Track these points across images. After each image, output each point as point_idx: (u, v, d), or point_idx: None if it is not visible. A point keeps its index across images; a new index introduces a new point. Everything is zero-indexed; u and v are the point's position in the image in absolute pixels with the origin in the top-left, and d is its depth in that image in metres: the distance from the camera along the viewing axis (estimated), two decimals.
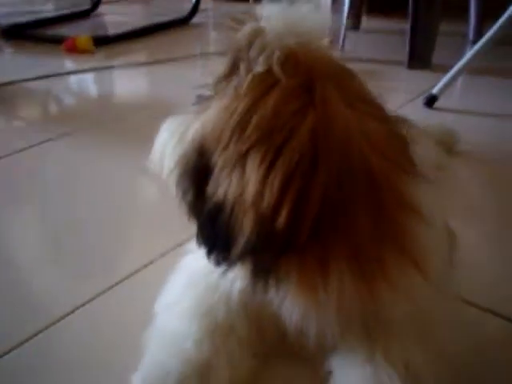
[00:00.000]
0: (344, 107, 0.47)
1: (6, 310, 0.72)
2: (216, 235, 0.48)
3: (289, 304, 0.49)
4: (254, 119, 0.45)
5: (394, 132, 0.51)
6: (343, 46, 1.91)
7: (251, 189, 0.44)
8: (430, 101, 1.41)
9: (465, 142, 1.16)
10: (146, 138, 0.58)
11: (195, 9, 2.60)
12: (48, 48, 2.16)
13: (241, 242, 0.45)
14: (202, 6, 2.63)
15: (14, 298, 0.75)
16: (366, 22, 2.48)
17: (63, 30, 2.36)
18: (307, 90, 0.46)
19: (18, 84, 1.73)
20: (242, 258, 0.46)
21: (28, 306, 0.73)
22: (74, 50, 2.07)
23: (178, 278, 0.63)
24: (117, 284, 0.76)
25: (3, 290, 0.76)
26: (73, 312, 0.70)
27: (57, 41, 2.16)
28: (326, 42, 0.52)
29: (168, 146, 0.55)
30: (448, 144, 1.12)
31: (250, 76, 0.47)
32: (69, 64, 2.01)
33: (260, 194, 0.43)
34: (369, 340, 0.53)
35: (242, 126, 0.45)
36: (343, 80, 0.50)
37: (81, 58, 2.03)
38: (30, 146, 1.24)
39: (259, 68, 0.47)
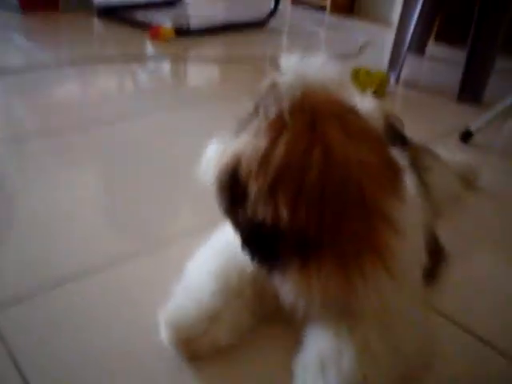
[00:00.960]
0: (344, 141, 0.61)
1: (45, 253, 0.91)
2: (258, 246, 0.65)
3: (287, 287, 0.67)
4: (272, 158, 0.60)
5: (387, 161, 0.65)
6: (401, 69, 2.02)
7: (285, 215, 0.59)
8: (466, 136, 1.50)
9: (486, 180, 1.28)
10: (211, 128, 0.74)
11: (273, 13, 2.76)
12: (135, 32, 2.40)
13: (283, 249, 0.62)
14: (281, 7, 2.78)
15: (57, 243, 0.94)
16: (432, 48, 2.57)
17: (150, 16, 2.58)
18: (311, 129, 0.61)
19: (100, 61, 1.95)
20: (268, 253, 0.63)
21: (71, 253, 0.92)
22: (157, 37, 2.29)
23: (207, 247, 0.80)
24: (160, 244, 0.95)
25: (53, 233, 0.96)
26: (116, 263, 0.90)
27: (144, 26, 2.39)
28: (333, 87, 0.65)
29: (210, 163, 0.70)
30: (468, 178, 1.24)
31: (266, 121, 0.63)
32: (150, 49, 2.23)
33: (292, 217, 0.59)
34: (341, 321, 0.68)
35: (263, 162, 0.61)
36: (345, 117, 0.63)
37: (162, 44, 2.25)
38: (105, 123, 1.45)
39: (272, 115, 0.62)
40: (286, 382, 0.66)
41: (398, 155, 0.84)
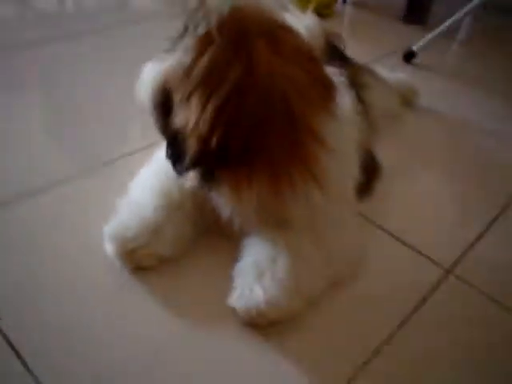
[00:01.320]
0: (271, 56, 0.62)
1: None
2: (174, 153, 0.67)
3: (222, 201, 0.69)
4: (195, 70, 0.62)
5: (318, 78, 0.67)
6: None
7: (192, 119, 0.62)
8: (408, 56, 1.53)
9: (426, 99, 1.32)
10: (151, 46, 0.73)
11: None
12: None
13: (188, 157, 0.64)
14: None
15: (6, 162, 0.94)
16: None
17: None
18: (238, 46, 0.61)
19: None
20: (189, 169, 0.65)
21: (17, 172, 0.92)
22: None
23: (149, 166, 0.82)
24: (104, 165, 0.96)
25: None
26: (61, 182, 0.91)
27: None
28: (265, 4, 0.66)
29: (144, 85, 0.71)
30: (406, 97, 1.27)
31: (194, 37, 0.64)
32: None
33: (198, 122, 0.61)
34: (276, 232, 0.72)
35: (187, 74, 0.62)
36: (275, 34, 0.64)
37: None
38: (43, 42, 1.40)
39: (201, 30, 0.63)
40: (225, 288, 0.71)
41: (335, 73, 0.87)
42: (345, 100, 0.82)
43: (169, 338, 0.67)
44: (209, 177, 0.67)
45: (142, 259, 0.72)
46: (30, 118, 1.09)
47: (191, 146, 0.63)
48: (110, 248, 0.73)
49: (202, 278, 0.75)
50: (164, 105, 0.67)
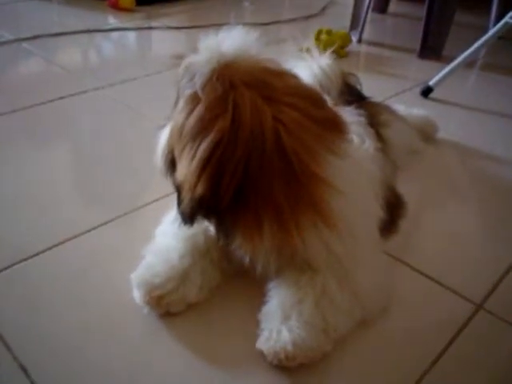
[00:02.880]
0: (260, 103, 0.63)
1: (22, 225, 0.94)
2: (178, 204, 0.70)
3: (238, 248, 0.70)
4: (185, 128, 0.65)
5: (319, 118, 0.67)
6: (363, 28, 2.04)
7: (181, 173, 0.65)
8: (426, 91, 1.55)
9: (446, 132, 1.32)
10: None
11: None
12: (93, 2, 2.35)
13: (182, 208, 0.67)
14: None
15: (34, 214, 0.97)
16: (395, 5, 2.59)
17: None
18: (223, 101, 0.63)
19: (62, 35, 1.93)
20: (189, 218, 0.67)
21: (44, 223, 0.95)
22: (116, 6, 2.26)
23: (174, 213, 0.83)
24: (125, 214, 0.98)
25: (26, 207, 0.99)
26: (87, 232, 0.93)
27: None
28: (253, 55, 0.68)
29: (159, 147, 0.75)
30: (426, 132, 1.28)
31: (183, 99, 0.67)
32: (111, 20, 2.20)
33: (185, 176, 0.64)
34: (300, 274, 0.72)
35: (181, 132, 0.66)
36: (267, 82, 0.65)
37: (124, 14, 2.22)
38: (69, 95, 1.45)
39: (187, 93, 0.66)
40: (252, 332, 0.71)
41: (353, 112, 0.88)
42: (362, 139, 0.84)
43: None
44: (221, 226, 0.69)
45: (170, 305, 0.73)
46: (55, 169, 1.13)
47: (182, 197, 0.67)
48: (137, 295, 0.74)
49: (229, 322, 0.75)
50: (171, 162, 0.71)
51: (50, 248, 0.88)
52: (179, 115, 0.67)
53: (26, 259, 0.85)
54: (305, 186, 0.65)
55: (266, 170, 0.63)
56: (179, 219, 0.70)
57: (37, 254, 0.87)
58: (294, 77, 0.71)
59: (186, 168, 0.64)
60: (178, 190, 0.68)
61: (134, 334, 0.74)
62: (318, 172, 0.65)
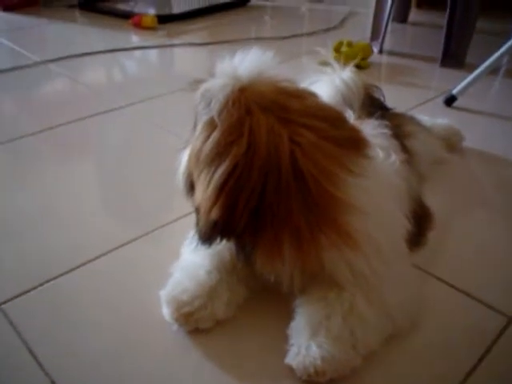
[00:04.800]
0: (277, 126, 0.63)
1: (50, 242, 0.96)
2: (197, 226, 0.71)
3: (260, 269, 0.71)
4: (203, 153, 0.66)
5: (339, 138, 0.67)
6: (384, 39, 2.04)
7: (198, 197, 0.67)
8: (449, 100, 1.53)
9: (471, 141, 1.31)
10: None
11: None
12: (117, 22, 2.41)
13: (199, 230, 0.69)
14: None
15: (62, 231, 0.99)
16: (415, 14, 2.58)
17: (131, 5, 2.58)
18: (239, 126, 0.64)
19: (87, 55, 1.98)
20: (206, 240, 0.68)
21: (72, 240, 0.97)
22: (139, 25, 2.30)
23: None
24: (153, 231, 1.00)
25: (54, 223, 1.01)
26: (115, 249, 0.94)
27: (125, 16, 2.40)
28: (270, 77, 0.68)
29: (180, 169, 0.76)
30: (451, 142, 1.27)
31: (200, 125, 0.68)
32: (134, 39, 2.24)
33: (201, 200, 0.66)
34: (328, 291, 0.72)
35: (198, 157, 0.67)
36: (284, 105, 0.65)
37: (146, 33, 2.27)
38: (95, 114, 1.48)
39: (204, 119, 0.67)
40: (281, 348, 0.71)
41: (376, 125, 0.88)
42: (387, 152, 0.83)
43: None
44: (241, 248, 0.70)
45: (199, 322, 0.74)
46: (82, 186, 1.15)
47: (199, 220, 0.68)
48: (167, 312, 0.75)
49: (257, 338, 0.75)
50: (190, 185, 0.73)
51: (78, 264, 0.90)
52: (197, 141, 0.68)
53: (56, 276, 0.87)
54: (323, 208, 0.65)
55: (283, 193, 0.63)
56: (197, 240, 0.71)
57: (67, 271, 0.88)
58: (312, 96, 0.71)
59: (202, 192, 0.66)
60: (197, 211, 0.70)
61: (163, 349, 0.74)
62: (337, 194, 0.64)
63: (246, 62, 0.69)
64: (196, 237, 0.71)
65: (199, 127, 0.69)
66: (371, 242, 0.69)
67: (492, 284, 0.88)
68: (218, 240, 0.68)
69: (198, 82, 0.73)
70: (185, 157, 0.75)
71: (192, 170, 0.70)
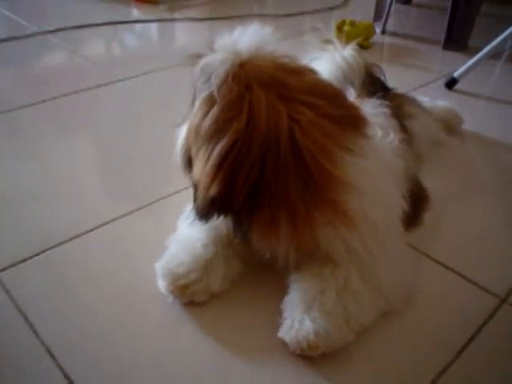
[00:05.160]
0: (276, 103, 0.63)
1: (50, 213, 0.97)
2: (195, 201, 0.71)
3: (256, 245, 0.71)
4: (202, 129, 0.65)
5: (338, 116, 0.66)
6: (387, 19, 2.02)
7: (196, 173, 0.66)
8: (450, 83, 1.53)
9: (471, 124, 1.30)
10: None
11: None
12: None
13: (197, 206, 0.68)
14: None
15: (60, 203, 0.99)
16: None
17: None
18: (239, 102, 0.63)
19: (87, 27, 1.95)
20: (203, 216, 0.69)
21: (70, 212, 0.97)
22: (141, 0, 2.27)
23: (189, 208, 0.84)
24: (150, 204, 1.00)
25: (52, 195, 1.01)
26: (113, 221, 0.94)
27: None
28: (270, 53, 0.67)
29: (178, 145, 0.76)
30: (451, 124, 1.27)
31: (199, 100, 0.67)
32: (135, 12, 2.21)
33: (200, 176, 0.65)
34: (323, 267, 0.72)
35: (197, 133, 0.67)
36: (283, 81, 0.65)
37: (148, 8, 2.24)
38: (94, 86, 1.47)
39: (203, 94, 0.66)
40: (275, 322, 0.72)
41: (377, 104, 0.88)
42: (386, 131, 0.83)
43: (220, 373, 0.68)
44: (237, 225, 0.69)
45: (194, 294, 0.74)
46: (80, 159, 1.15)
47: (197, 196, 0.68)
48: (162, 284, 0.75)
49: (251, 312, 0.76)
50: (188, 160, 0.72)
51: (73, 236, 0.90)
52: (195, 116, 0.67)
53: (53, 246, 0.87)
54: (320, 186, 0.65)
55: (281, 171, 0.63)
56: (194, 215, 0.71)
57: (61, 243, 0.88)
58: (313, 73, 0.71)
59: (201, 169, 0.65)
60: (195, 187, 0.69)
61: (158, 322, 0.75)
62: (334, 172, 0.64)
63: (246, 37, 0.68)
64: (193, 212, 0.71)
65: (198, 102, 0.68)
66: (367, 221, 0.69)
67: (486, 265, 0.88)
68: (216, 216, 0.68)
69: (197, 56, 0.72)
70: (183, 132, 0.74)
71: (190, 145, 0.70)
